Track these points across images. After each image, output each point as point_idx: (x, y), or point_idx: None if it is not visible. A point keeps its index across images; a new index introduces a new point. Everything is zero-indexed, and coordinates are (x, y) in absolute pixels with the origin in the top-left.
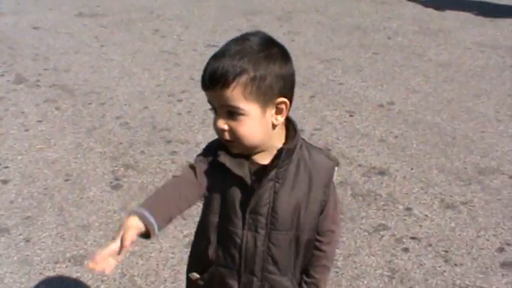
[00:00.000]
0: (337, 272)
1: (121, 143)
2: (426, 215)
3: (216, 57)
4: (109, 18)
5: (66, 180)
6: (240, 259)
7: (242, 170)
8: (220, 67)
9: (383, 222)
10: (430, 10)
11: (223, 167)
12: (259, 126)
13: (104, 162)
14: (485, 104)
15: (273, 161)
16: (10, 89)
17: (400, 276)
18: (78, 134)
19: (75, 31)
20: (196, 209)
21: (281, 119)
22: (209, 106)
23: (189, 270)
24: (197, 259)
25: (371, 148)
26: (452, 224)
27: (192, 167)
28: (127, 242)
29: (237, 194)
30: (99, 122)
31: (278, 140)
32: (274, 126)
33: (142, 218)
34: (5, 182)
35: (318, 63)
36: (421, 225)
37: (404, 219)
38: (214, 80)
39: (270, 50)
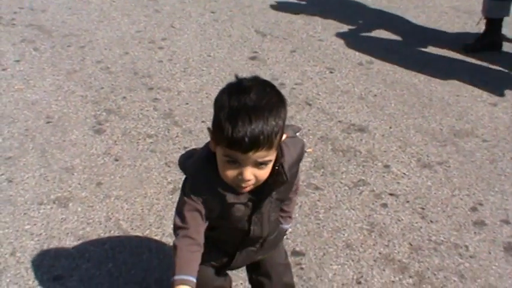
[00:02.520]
0: (318, 224)
1: (102, 88)
2: (404, 173)
3: (250, 120)
4: None
5: (48, 123)
6: (243, 241)
7: (245, 196)
8: (263, 132)
9: (362, 178)
10: None
11: (218, 192)
12: None
13: (86, 106)
14: (461, 68)
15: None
16: None
17: (379, 230)
18: (58, 76)
19: None
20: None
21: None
22: (189, 56)
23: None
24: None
25: (350, 105)
26: (429, 183)
27: (183, 217)
28: None
29: (241, 209)
30: (79, 65)
31: None
32: None
33: (187, 282)
34: None
35: (297, 18)
36: (399, 183)
37: (383, 176)
38: (261, 145)
39: (277, 96)
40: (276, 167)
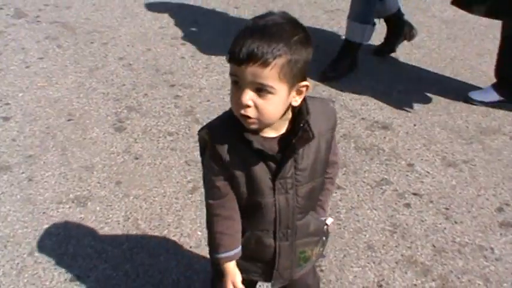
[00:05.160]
0: (339, 225)
1: (124, 85)
2: (428, 172)
3: (252, 35)
4: None
5: (69, 120)
6: (275, 220)
7: (270, 148)
8: (261, 46)
9: (385, 176)
10: None
11: (241, 147)
12: (282, 105)
13: (107, 103)
14: (488, 63)
15: (294, 133)
16: (10, 24)
17: (402, 231)
18: (80, 73)
19: None
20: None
21: (299, 99)
22: (212, 52)
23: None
24: None
25: (374, 102)
26: (453, 182)
27: (213, 185)
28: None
29: (263, 168)
30: (102, 62)
31: (287, 113)
32: (290, 106)
33: (233, 258)
34: (6, 119)
35: (322, 13)
36: (422, 182)
37: (407, 175)
38: (254, 57)
39: (301, 34)
40: (301, 124)
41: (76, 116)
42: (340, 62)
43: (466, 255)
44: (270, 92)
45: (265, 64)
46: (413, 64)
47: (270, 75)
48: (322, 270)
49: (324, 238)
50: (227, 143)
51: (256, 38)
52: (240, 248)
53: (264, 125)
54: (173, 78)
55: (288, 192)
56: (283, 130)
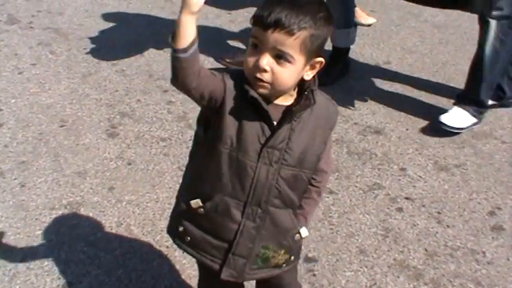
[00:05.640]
0: (332, 229)
1: (117, 91)
2: (420, 176)
3: (281, 3)
4: None
5: (62, 126)
6: (249, 190)
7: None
8: (289, 15)
9: (378, 181)
10: None
11: (245, 101)
12: (296, 76)
13: (100, 109)
14: None
15: (297, 101)
16: (2, 30)
17: (394, 235)
18: (73, 79)
19: None
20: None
21: (311, 74)
22: (205, 58)
23: (189, 199)
24: (199, 187)
25: (367, 107)
26: (446, 186)
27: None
28: None
29: (257, 129)
30: (95, 68)
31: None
32: (302, 79)
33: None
34: None
35: None
36: (415, 186)
37: (399, 179)
38: (281, 25)
39: (325, 12)
40: (305, 92)
41: (69, 122)
42: (332, 68)
43: (458, 259)
44: (288, 61)
45: (291, 33)
46: (406, 69)
47: (292, 45)
48: (314, 275)
49: (292, 250)
50: (237, 87)
51: (286, 7)
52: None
53: (274, 91)
54: (166, 84)
55: (271, 164)
56: (288, 102)
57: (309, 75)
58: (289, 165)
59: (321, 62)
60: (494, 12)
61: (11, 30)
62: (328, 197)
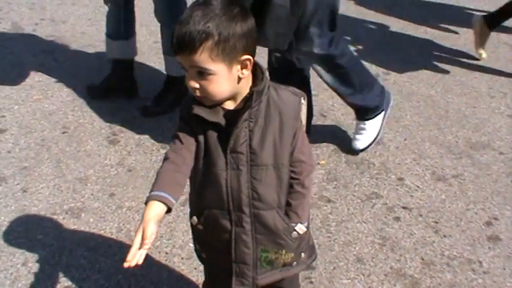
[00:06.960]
0: (329, 237)
1: (118, 98)
2: (418, 186)
3: (181, 23)
4: None
5: (64, 133)
6: (227, 198)
7: (217, 116)
8: (187, 34)
9: (375, 190)
10: None
11: (200, 118)
12: (227, 82)
13: (101, 116)
14: (478, 79)
15: (244, 103)
16: (7, 37)
17: (391, 244)
18: (75, 86)
19: None
20: None
21: (246, 72)
22: None
23: (190, 216)
24: (194, 205)
25: None
26: (443, 196)
27: (175, 136)
28: (147, 241)
29: (215, 138)
30: (97, 76)
31: (246, 85)
32: (240, 79)
33: (161, 199)
34: (1, 131)
35: None
36: (412, 196)
37: (397, 189)
38: (182, 46)
39: (231, 11)
40: (249, 94)
41: (71, 128)
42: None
43: (455, 268)
44: (209, 74)
45: (193, 51)
46: (405, 79)
47: (202, 60)
48: (311, 282)
49: (295, 248)
50: (190, 113)
51: (184, 25)
52: (174, 201)
53: (215, 101)
54: None
55: (239, 168)
56: (241, 105)
57: (243, 73)
58: (259, 165)
59: (249, 59)
60: None
61: (14, 38)
62: (326, 206)
